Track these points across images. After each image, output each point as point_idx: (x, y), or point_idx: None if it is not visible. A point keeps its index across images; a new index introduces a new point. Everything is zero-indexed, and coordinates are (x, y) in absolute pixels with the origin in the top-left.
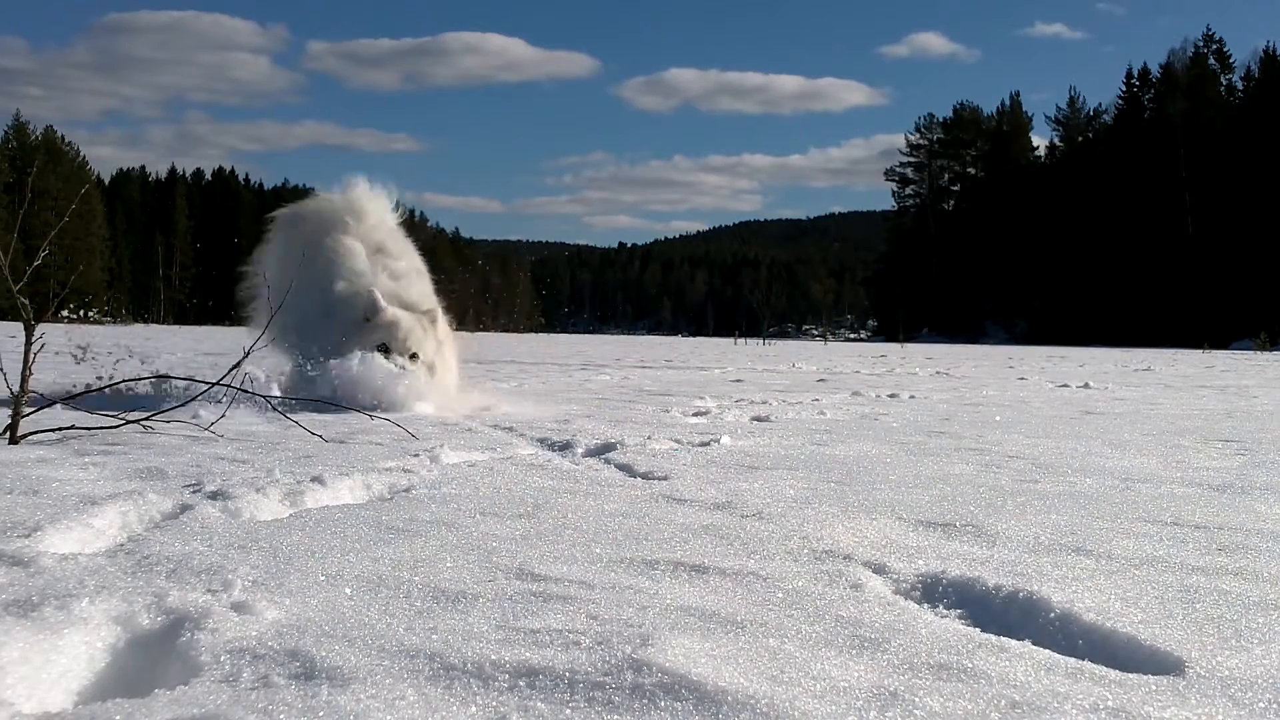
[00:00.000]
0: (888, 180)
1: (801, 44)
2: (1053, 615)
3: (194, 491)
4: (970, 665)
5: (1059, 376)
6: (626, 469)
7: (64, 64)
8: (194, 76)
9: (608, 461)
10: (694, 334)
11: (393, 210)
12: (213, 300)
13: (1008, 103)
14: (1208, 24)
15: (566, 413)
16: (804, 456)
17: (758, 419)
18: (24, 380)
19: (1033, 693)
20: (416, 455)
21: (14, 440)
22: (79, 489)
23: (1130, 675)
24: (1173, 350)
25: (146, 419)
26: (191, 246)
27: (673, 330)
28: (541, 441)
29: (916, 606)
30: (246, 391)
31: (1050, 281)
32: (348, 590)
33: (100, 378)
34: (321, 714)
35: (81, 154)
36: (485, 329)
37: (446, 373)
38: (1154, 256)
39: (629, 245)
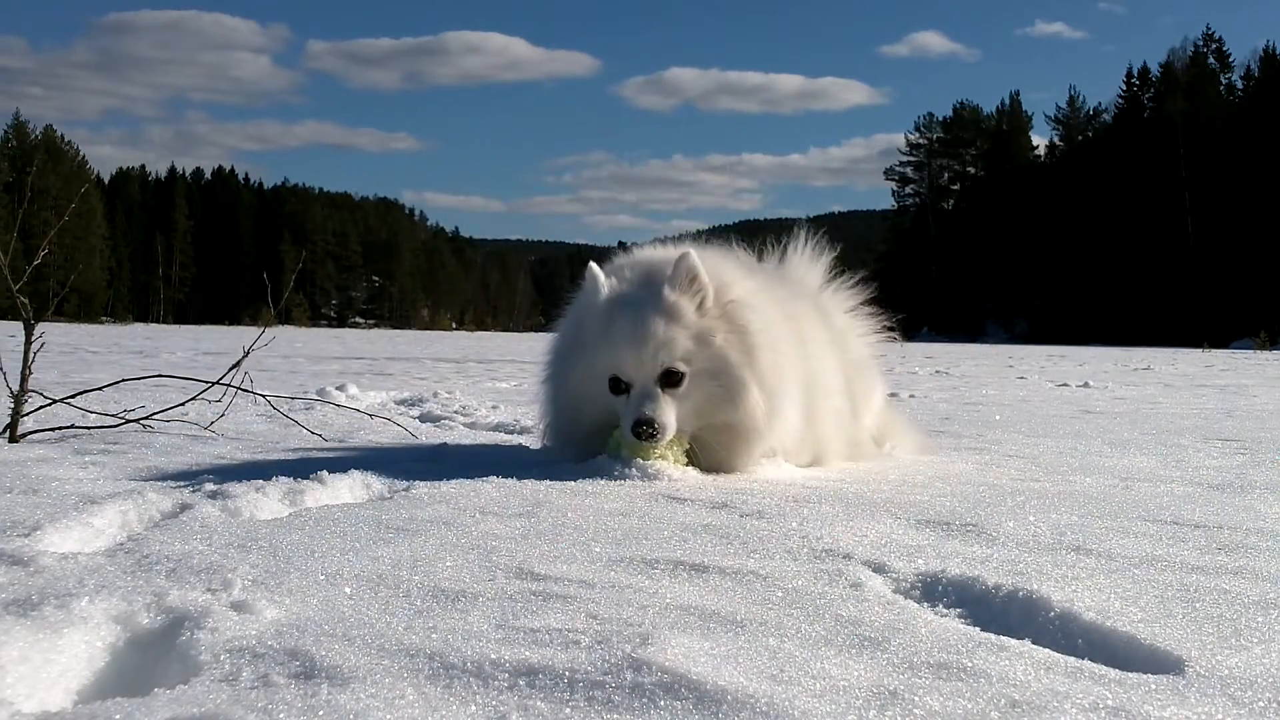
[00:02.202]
0: (888, 180)
1: (802, 44)
2: (1052, 614)
3: (194, 491)
4: (970, 664)
5: (1059, 376)
6: None
7: (65, 63)
8: (194, 76)
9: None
10: None
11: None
12: (212, 300)
13: (1007, 102)
14: (1208, 23)
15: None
16: None
17: None
18: (24, 379)
19: (1032, 692)
20: (416, 454)
21: (14, 439)
22: (79, 488)
23: (1130, 674)
24: (1172, 349)
25: (146, 419)
26: (191, 246)
27: None
28: (542, 440)
29: (916, 605)
30: (246, 390)
31: (1050, 281)
32: (347, 589)
33: (100, 377)
34: (321, 713)
35: (81, 153)
36: (485, 328)
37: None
38: (1154, 256)
39: (629, 244)
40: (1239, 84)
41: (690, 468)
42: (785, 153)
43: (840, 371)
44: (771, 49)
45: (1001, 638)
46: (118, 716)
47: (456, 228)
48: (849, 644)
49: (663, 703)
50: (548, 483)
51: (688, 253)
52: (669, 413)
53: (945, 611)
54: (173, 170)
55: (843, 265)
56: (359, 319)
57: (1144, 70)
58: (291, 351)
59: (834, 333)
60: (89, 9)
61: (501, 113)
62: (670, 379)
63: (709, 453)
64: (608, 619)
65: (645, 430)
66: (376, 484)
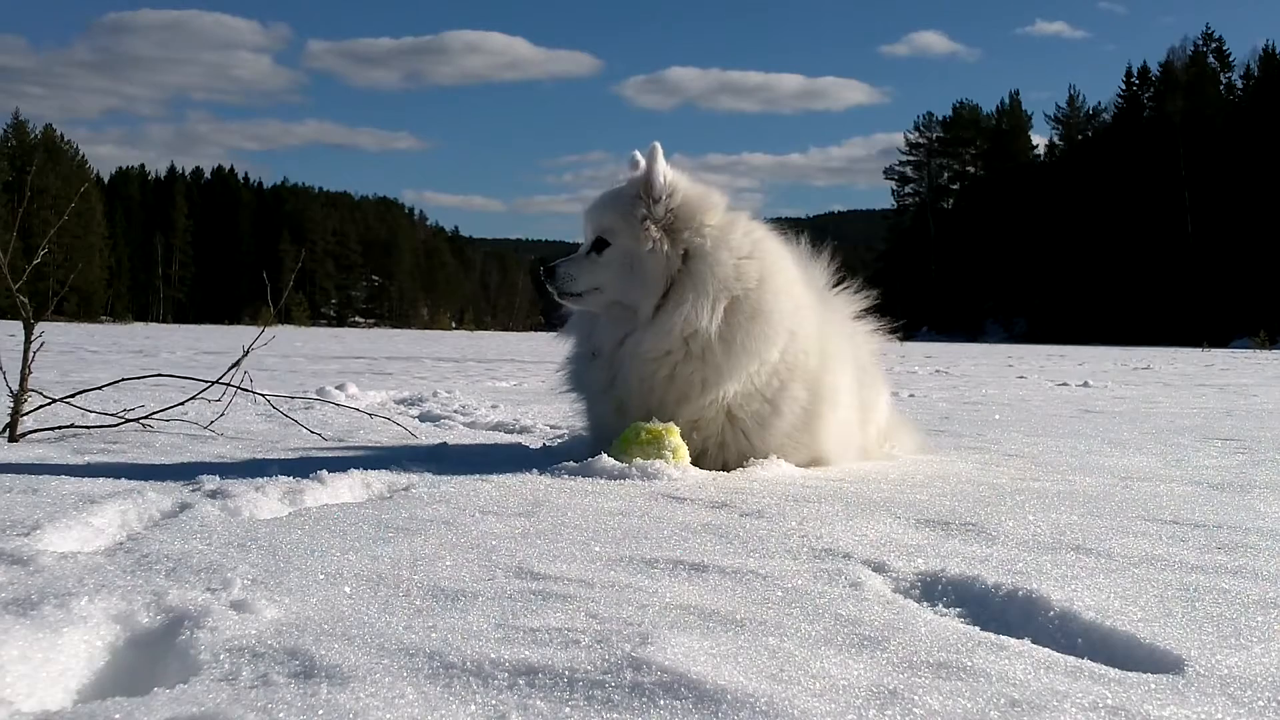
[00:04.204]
0: (887, 179)
1: (802, 43)
2: (1052, 614)
3: (193, 490)
4: (969, 664)
5: (1058, 375)
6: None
7: (65, 63)
8: (195, 75)
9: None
10: None
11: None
12: (212, 299)
13: (1007, 101)
14: (1208, 23)
15: (566, 410)
16: None
17: None
18: (24, 379)
19: (1032, 691)
20: (416, 453)
21: (14, 438)
22: (78, 487)
23: (1129, 673)
24: (1172, 348)
25: (146, 418)
26: (191, 245)
27: None
28: (541, 439)
29: (916, 605)
30: (246, 390)
31: (1050, 280)
32: (347, 589)
33: (99, 377)
34: (321, 712)
35: (80, 153)
36: (485, 328)
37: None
38: (1154, 255)
39: None
40: (1239, 83)
41: (690, 467)
42: (785, 152)
43: (855, 385)
44: (771, 49)
45: (1001, 637)
46: (117, 716)
47: (456, 227)
48: (849, 643)
49: (662, 702)
50: (547, 482)
51: (652, 156)
52: (580, 269)
53: (945, 611)
54: (172, 169)
55: (846, 268)
56: (358, 318)
57: (1144, 70)
58: (291, 351)
59: (848, 338)
60: (89, 8)
61: (501, 112)
62: (598, 245)
63: (729, 438)
64: (607, 618)
65: (543, 272)
66: (376, 484)
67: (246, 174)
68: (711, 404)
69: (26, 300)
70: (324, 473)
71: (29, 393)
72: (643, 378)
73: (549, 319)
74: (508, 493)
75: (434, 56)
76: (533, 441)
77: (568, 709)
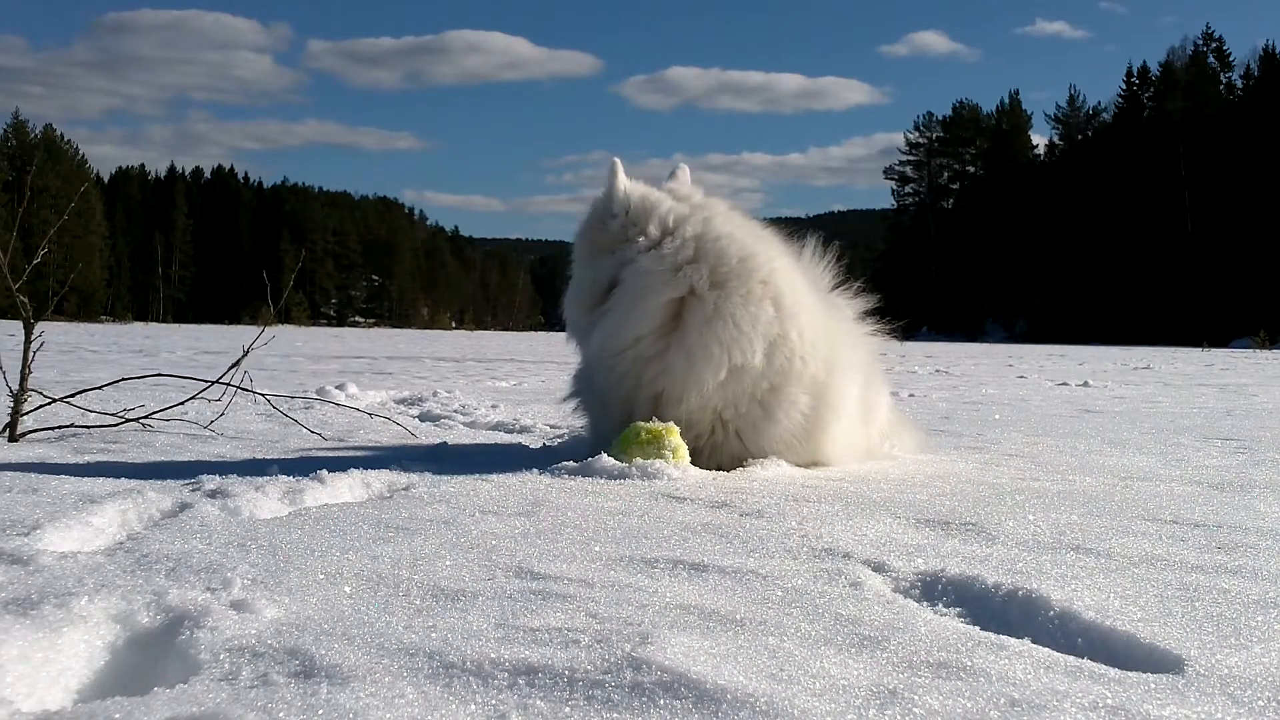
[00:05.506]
0: (887, 179)
1: (802, 43)
2: (1052, 613)
3: (193, 490)
4: (969, 663)
5: (1058, 375)
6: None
7: (65, 62)
8: (196, 75)
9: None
10: None
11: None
12: (212, 299)
13: (1007, 101)
14: (1208, 23)
15: (566, 410)
16: None
17: None
18: (23, 378)
19: (1032, 691)
20: (416, 453)
21: (13, 438)
22: (78, 487)
23: (1129, 673)
24: (1172, 348)
25: (146, 418)
26: (191, 245)
27: None
28: (541, 439)
29: (916, 604)
30: (246, 390)
31: (1050, 280)
32: (347, 588)
33: (99, 376)
34: (321, 712)
35: (80, 153)
36: (485, 327)
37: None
38: (1153, 255)
39: None
40: (1239, 83)
41: (690, 467)
42: (785, 152)
43: (862, 391)
44: (772, 49)
45: (1001, 637)
46: (117, 715)
47: (456, 227)
48: (849, 643)
49: (662, 702)
50: (548, 482)
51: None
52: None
53: (945, 611)
54: (172, 169)
55: (848, 270)
56: (358, 318)
57: (1144, 69)
58: (291, 350)
59: (851, 336)
60: (89, 8)
61: (501, 112)
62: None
63: (726, 440)
64: (607, 618)
65: None
66: (376, 483)
67: (246, 174)
68: (698, 409)
69: (26, 300)
70: (324, 472)
71: (29, 392)
72: (608, 373)
73: (549, 319)
74: (508, 493)
75: (434, 56)
76: (533, 441)
77: (568, 709)
